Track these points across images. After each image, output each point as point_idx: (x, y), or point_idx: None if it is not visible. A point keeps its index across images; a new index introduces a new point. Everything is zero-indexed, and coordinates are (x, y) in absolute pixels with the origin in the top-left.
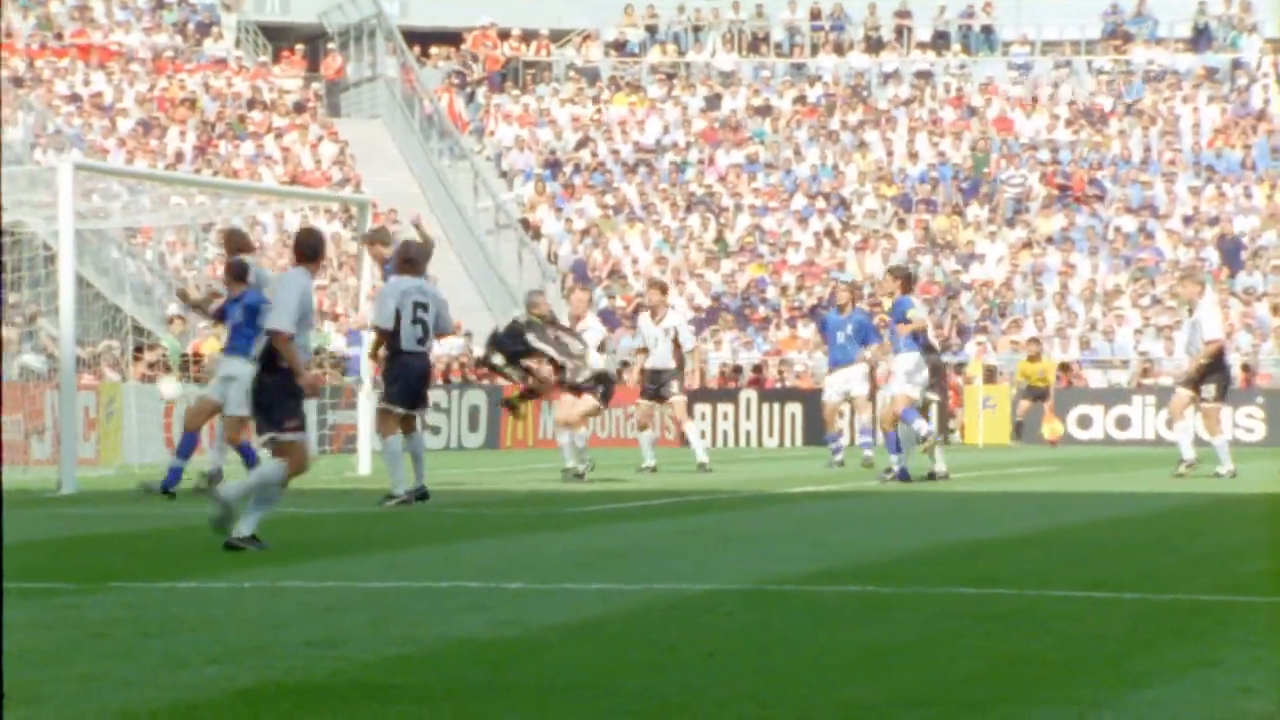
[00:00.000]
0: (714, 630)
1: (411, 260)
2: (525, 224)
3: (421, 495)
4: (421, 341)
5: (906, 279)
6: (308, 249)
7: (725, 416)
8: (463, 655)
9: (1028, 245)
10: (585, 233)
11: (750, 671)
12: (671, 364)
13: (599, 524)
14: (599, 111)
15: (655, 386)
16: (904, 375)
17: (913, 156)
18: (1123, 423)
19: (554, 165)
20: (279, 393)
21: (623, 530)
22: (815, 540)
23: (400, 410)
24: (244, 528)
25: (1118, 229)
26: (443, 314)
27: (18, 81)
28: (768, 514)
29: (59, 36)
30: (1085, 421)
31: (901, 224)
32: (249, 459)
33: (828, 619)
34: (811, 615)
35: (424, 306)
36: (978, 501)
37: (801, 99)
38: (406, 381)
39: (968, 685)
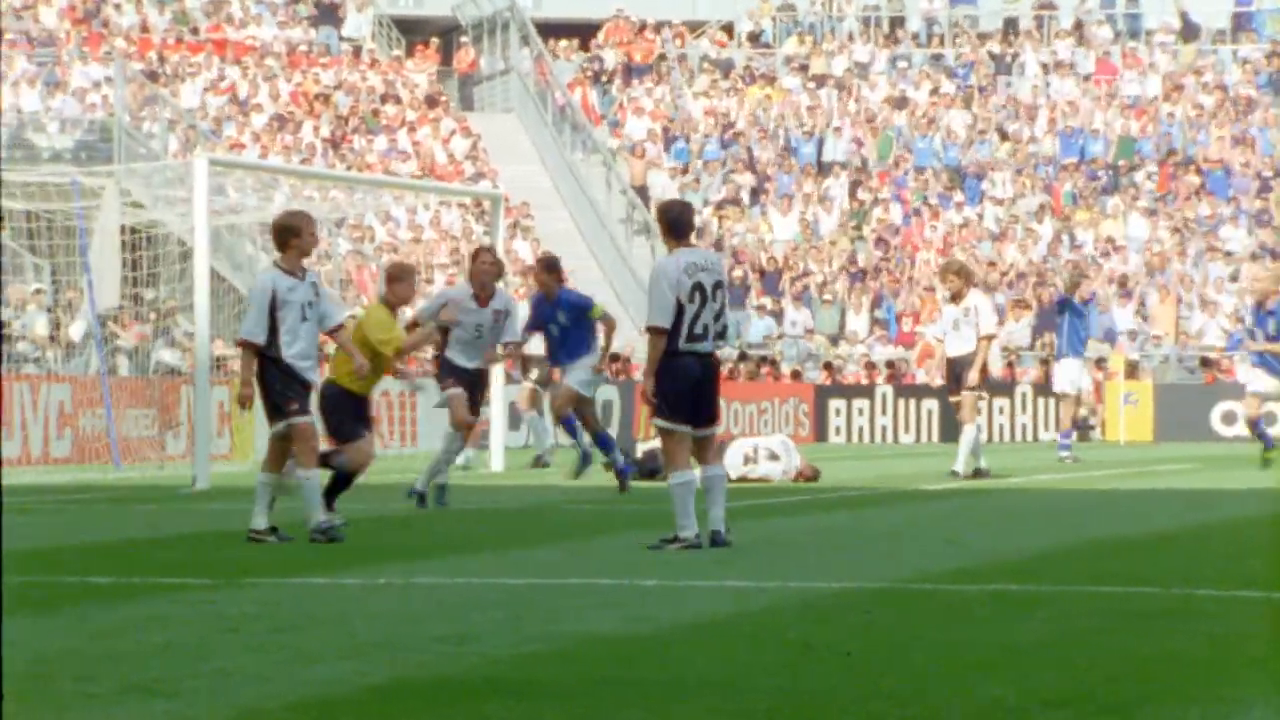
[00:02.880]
0: (849, 629)
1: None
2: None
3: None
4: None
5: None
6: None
7: (860, 412)
8: (596, 652)
9: (1176, 231)
10: (721, 219)
11: (886, 671)
12: (970, 350)
13: (733, 521)
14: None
15: (955, 376)
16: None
17: (1052, 144)
18: (1269, 419)
19: (687, 157)
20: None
21: (757, 527)
22: (952, 538)
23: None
24: (260, 520)
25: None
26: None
27: (153, 76)
28: (903, 511)
29: (194, 31)
30: (1230, 418)
31: (1041, 213)
32: (570, 430)
33: (966, 618)
34: (949, 614)
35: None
36: (1120, 498)
37: (936, 90)
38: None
39: (1109, 686)
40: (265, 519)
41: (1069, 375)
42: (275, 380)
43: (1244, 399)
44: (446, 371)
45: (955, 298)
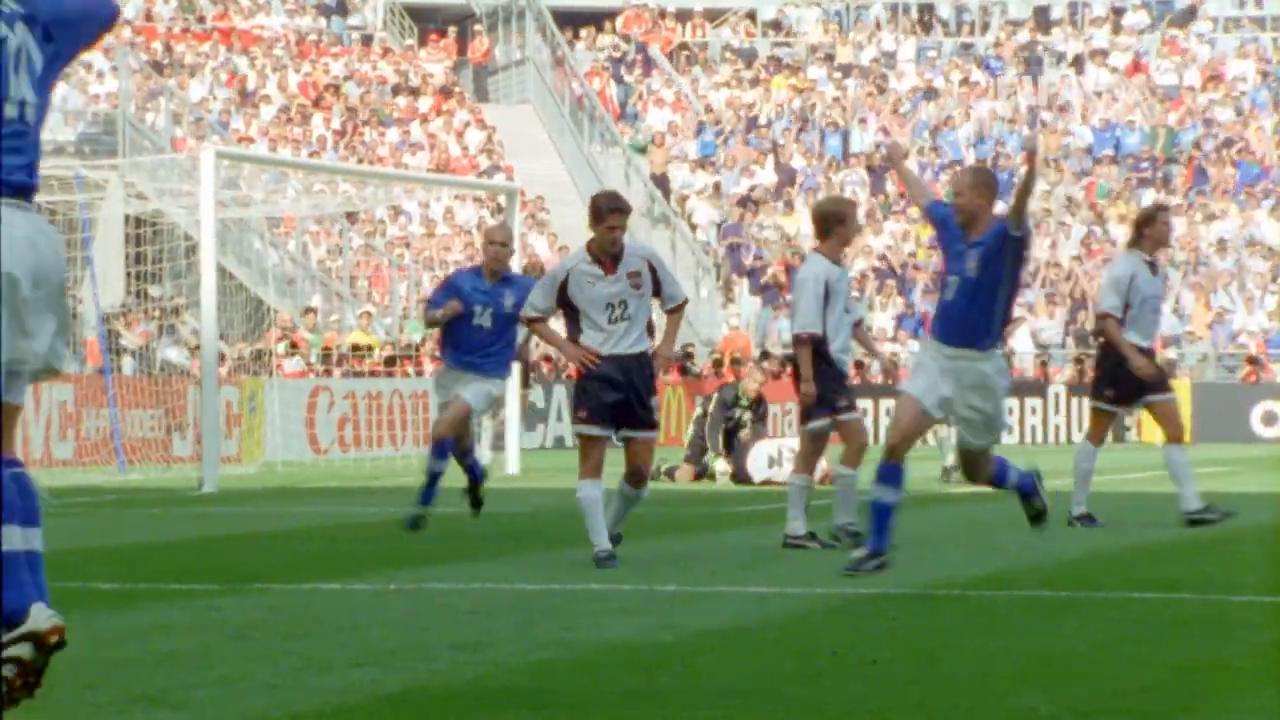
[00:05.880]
0: (877, 636)
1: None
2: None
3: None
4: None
5: None
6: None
7: (888, 413)
8: (614, 660)
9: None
10: (743, 214)
11: (915, 680)
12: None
13: (758, 524)
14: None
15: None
16: None
17: (1086, 136)
18: None
19: (709, 149)
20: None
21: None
22: (985, 543)
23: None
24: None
25: None
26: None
27: (158, 67)
28: (931, 515)
29: (200, 20)
30: (1271, 419)
31: (1073, 208)
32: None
33: (997, 625)
34: (980, 621)
35: None
36: (1156, 502)
37: (966, 80)
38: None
39: (1145, 695)
40: (804, 523)
41: None
42: (825, 376)
43: None
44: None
45: None
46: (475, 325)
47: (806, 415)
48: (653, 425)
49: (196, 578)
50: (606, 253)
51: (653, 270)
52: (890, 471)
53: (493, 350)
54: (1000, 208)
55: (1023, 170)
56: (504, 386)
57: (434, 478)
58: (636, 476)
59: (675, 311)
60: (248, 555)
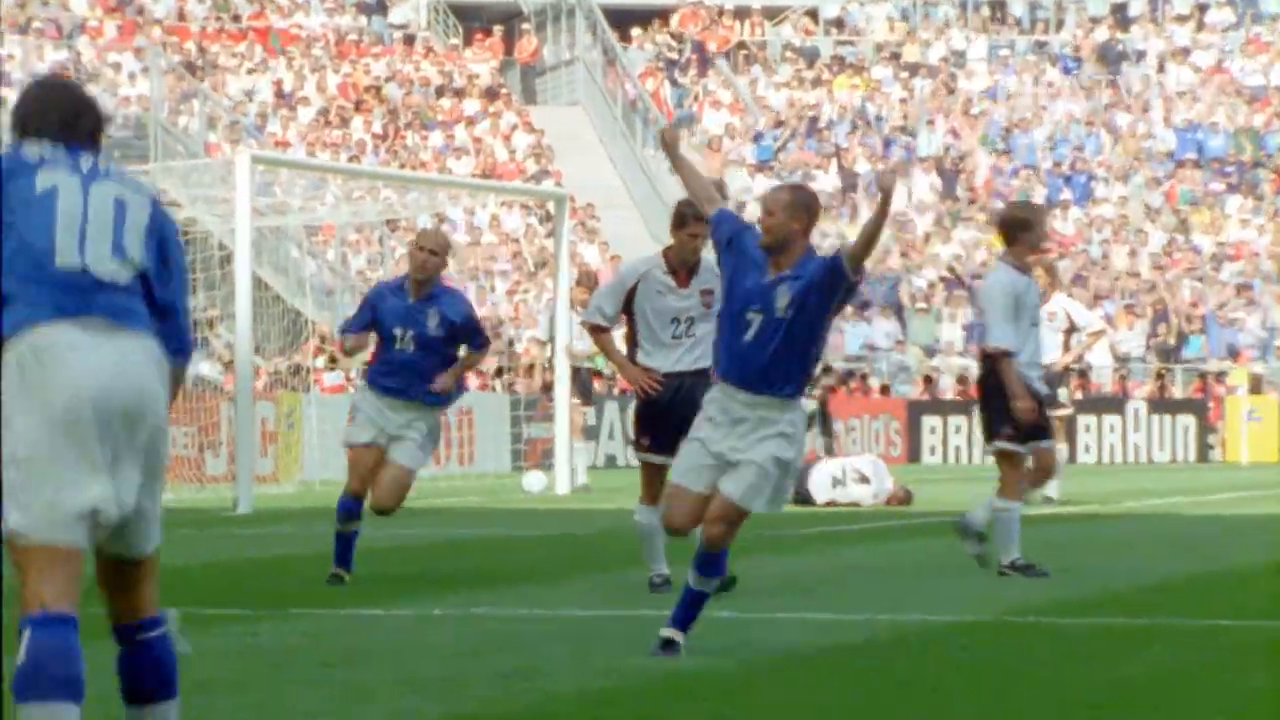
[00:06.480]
0: (946, 665)
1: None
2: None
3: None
4: None
5: None
6: None
7: (958, 430)
8: (669, 689)
9: None
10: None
11: (985, 711)
12: (1051, 360)
13: (823, 547)
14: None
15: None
16: None
17: (1168, 137)
18: None
19: (767, 154)
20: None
21: (848, 554)
22: (1061, 567)
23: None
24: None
25: None
26: None
27: (191, 68)
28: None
29: (236, 19)
30: None
31: (1154, 214)
32: None
33: (1072, 653)
34: (1055, 649)
35: None
36: (1243, 525)
37: (1040, 80)
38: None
39: None
40: (1016, 549)
41: None
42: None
43: None
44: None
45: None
46: (397, 350)
47: (993, 433)
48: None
49: (232, 602)
50: (685, 263)
51: None
52: (709, 560)
53: (423, 372)
54: (817, 238)
55: (876, 208)
56: (437, 421)
57: (347, 541)
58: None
59: None
60: (285, 579)
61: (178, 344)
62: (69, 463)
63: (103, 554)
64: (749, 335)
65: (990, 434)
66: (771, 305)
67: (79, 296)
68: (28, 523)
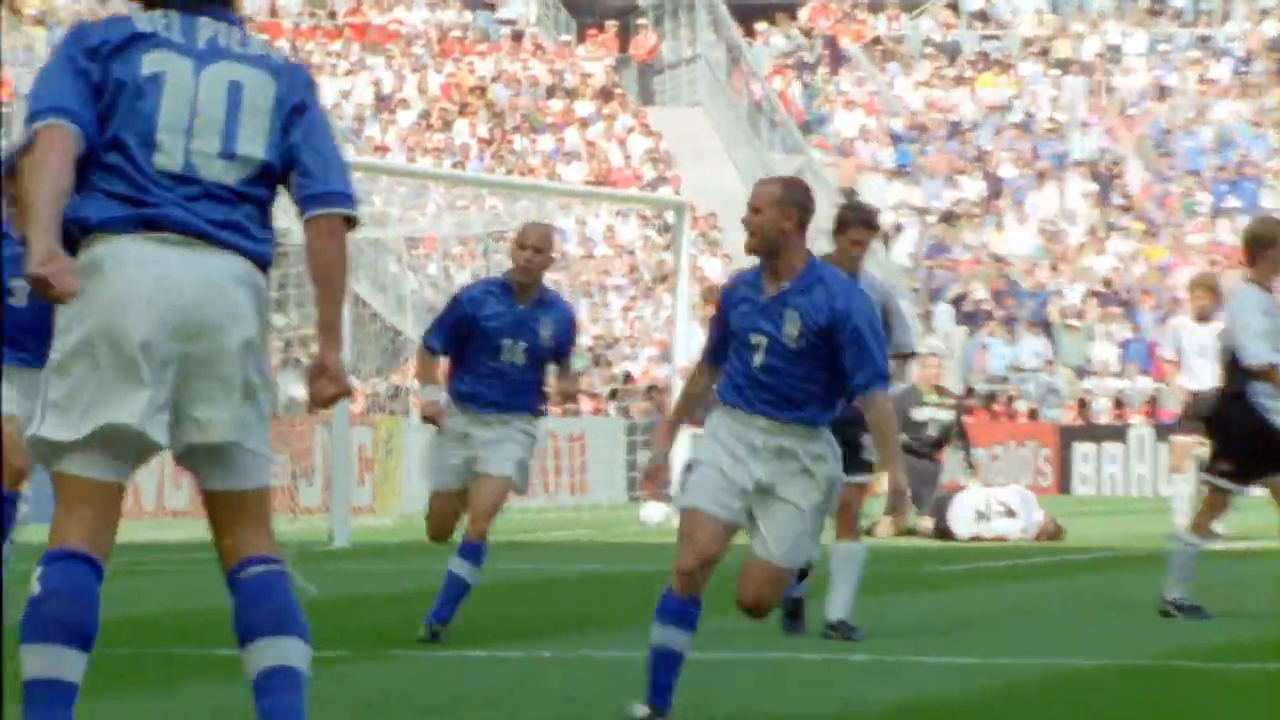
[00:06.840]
0: (1098, 713)
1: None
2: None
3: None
4: None
5: None
6: None
7: (1113, 458)
8: None
9: None
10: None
11: None
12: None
13: (963, 585)
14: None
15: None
16: None
17: None
18: None
19: (905, 158)
20: None
21: (991, 593)
22: (1224, 608)
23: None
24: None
25: None
26: None
27: None
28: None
29: (331, 15)
30: None
31: None
32: None
33: (1239, 701)
34: (1217, 696)
35: None
36: None
37: (1204, 77)
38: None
39: None
40: (1183, 588)
41: None
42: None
43: None
44: None
45: (1201, 318)
46: (503, 360)
47: (1213, 469)
48: (862, 467)
49: (327, 643)
50: (847, 273)
51: (883, 313)
52: (681, 609)
53: (525, 387)
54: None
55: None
56: (538, 432)
57: (463, 587)
58: (843, 524)
59: (898, 359)
60: (384, 618)
61: (321, 188)
62: (105, 381)
63: (203, 489)
64: (757, 360)
65: (1211, 464)
66: (779, 328)
67: (167, 205)
68: (58, 436)
